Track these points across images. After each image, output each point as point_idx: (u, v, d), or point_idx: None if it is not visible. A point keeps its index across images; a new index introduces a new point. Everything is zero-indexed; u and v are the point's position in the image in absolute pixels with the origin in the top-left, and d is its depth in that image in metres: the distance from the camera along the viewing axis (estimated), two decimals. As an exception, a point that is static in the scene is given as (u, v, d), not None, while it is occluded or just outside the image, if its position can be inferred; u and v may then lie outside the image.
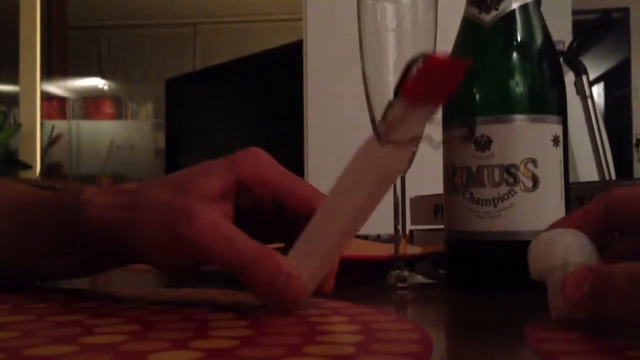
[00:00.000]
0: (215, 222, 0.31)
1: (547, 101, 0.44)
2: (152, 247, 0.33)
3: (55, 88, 4.06)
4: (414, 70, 0.28)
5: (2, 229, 0.38)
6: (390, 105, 0.30)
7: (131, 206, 0.33)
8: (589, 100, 1.35)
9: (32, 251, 0.38)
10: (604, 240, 0.30)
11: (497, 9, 0.45)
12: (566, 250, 0.29)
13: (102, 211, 0.34)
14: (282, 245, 0.37)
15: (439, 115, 0.31)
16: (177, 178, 0.34)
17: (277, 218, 0.37)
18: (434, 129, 0.32)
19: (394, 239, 0.48)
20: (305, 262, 0.32)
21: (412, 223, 0.69)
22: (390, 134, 0.30)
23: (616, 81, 3.79)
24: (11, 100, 3.45)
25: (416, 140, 0.31)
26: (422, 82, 0.28)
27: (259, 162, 0.35)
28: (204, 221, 0.31)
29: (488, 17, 0.45)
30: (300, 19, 1.74)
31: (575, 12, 2.21)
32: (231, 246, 0.31)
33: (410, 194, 0.53)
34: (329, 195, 0.32)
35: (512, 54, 0.45)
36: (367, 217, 0.32)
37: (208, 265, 0.34)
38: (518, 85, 0.44)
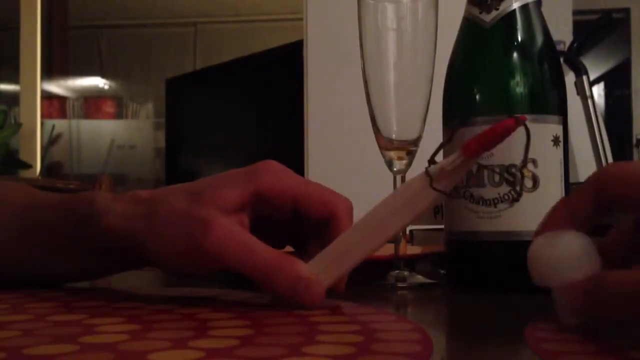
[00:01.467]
0: (233, 232, 0.32)
1: (548, 101, 0.44)
2: (170, 256, 0.33)
3: (56, 87, 4.06)
4: (478, 129, 0.32)
5: (11, 232, 0.38)
6: (448, 156, 0.33)
7: (148, 215, 0.34)
8: (590, 101, 1.35)
9: (41, 254, 0.38)
10: (602, 220, 0.30)
11: (497, 9, 0.45)
12: (564, 261, 0.28)
13: (119, 220, 0.34)
14: (292, 250, 0.38)
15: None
16: (193, 188, 0.35)
17: (293, 224, 0.37)
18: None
19: (394, 239, 0.48)
20: (326, 273, 0.33)
21: (412, 223, 0.69)
22: (442, 181, 0.32)
23: (617, 81, 3.78)
24: (11, 99, 3.45)
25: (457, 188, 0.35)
26: (483, 143, 0.31)
27: (277, 175, 0.36)
28: (223, 230, 0.32)
29: (488, 17, 0.45)
30: (300, 19, 1.74)
31: (575, 13, 2.21)
32: (251, 255, 0.32)
33: (410, 194, 0.53)
34: (365, 217, 0.34)
35: (512, 54, 0.45)
36: (387, 241, 0.35)
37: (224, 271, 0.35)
38: (518, 85, 0.44)
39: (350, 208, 0.37)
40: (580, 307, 0.26)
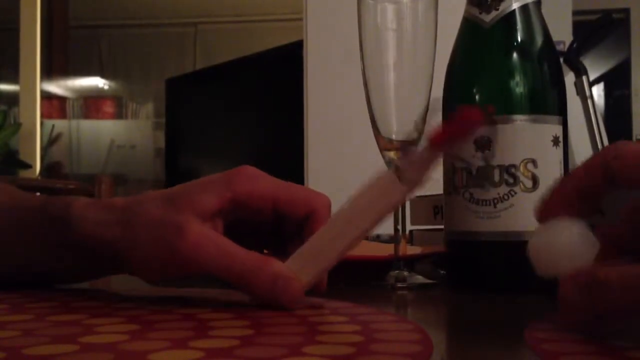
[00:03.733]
0: (208, 235, 0.33)
1: (547, 101, 0.44)
2: (146, 263, 0.34)
3: (56, 87, 4.06)
4: (442, 119, 0.31)
5: None
6: (413, 149, 0.33)
7: (124, 222, 0.34)
8: (589, 101, 1.35)
9: (25, 254, 0.38)
10: (603, 197, 0.30)
11: (497, 9, 0.45)
12: (563, 254, 0.28)
13: (93, 226, 0.35)
14: (269, 252, 0.38)
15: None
16: (170, 194, 0.35)
17: (273, 227, 0.38)
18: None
19: (394, 239, 0.48)
20: (304, 271, 0.33)
21: (412, 223, 0.69)
22: (411, 175, 0.32)
23: (616, 82, 3.78)
24: (11, 99, 3.45)
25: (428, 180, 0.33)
26: (449, 133, 0.31)
27: (253, 180, 0.36)
28: (198, 235, 0.32)
29: (488, 18, 0.45)
30: (300, 19, 1.74)
31: (575, 13, 2.21)
32: (227, 256, 0.32)
33: (410, 194, 0.53)
34: (338, 213, 0.34)
35: (512, 55, 0.45)
36: (365, 236, 0.35)
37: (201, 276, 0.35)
38: (518, 85, 0.44)
39: (328, 204, 0.37)
40: (581, 302, 0.26)
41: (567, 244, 0.28)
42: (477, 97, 0.45)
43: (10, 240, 0.39)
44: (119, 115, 4.17)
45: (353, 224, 0.33)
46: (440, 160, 0.33)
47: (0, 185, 0.43)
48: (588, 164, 0.29)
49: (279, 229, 0.38)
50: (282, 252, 0.36)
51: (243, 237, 0.34)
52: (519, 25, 0.45)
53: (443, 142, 0.31)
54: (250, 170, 0.36)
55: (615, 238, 0.29)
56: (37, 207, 0.39)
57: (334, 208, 0.35)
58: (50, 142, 3.35)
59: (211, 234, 0.33)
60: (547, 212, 0.30)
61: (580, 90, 1.37)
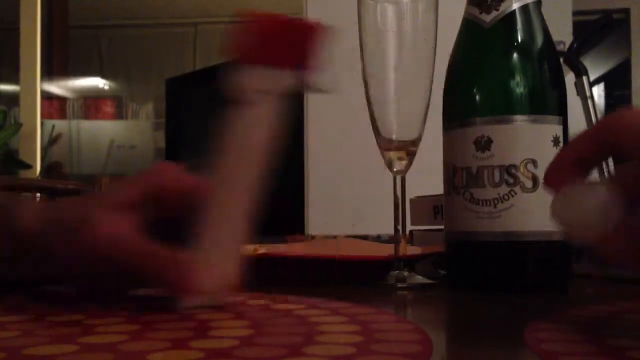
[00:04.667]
0: (116, 225, 0.34)
1: (548, 102, 0.44)
2: (62, 256, 0.35)
3: (56, 88, 4.06)
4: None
5: None
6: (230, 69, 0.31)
7: (49, 220, 0.36)
8: (590, 101, 1.35)
9: None
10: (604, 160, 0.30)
11: (497, 10, 0.45)
12: (594, 216, 0.28)
13: (28, 223, 0.37)
14: None
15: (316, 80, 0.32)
16: (95, 194, 0.38)
17: (186, 223, 0.38)
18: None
19: (394, 239, 0.48)
20: (206, 251, 0.32)
21: (412, 223, 0.69)
22: (240, 92, 0.31)
23: (617, 82, 3.78)
24: (11, 99, 3.45)
25: (275, 104, 0.31)
26: (251, 42, 0.29)
27: (164, 173, 0.37)
28: (103, 225, 0.33)
29: (488, 18, 0.45)
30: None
31: (575, 13, 2.21)
32: (129, 245, 0.33)
33: (410, 194, 0.53)
34: (214, 180, 0.33)
35: (512, 55, 0.45)
36: (254, 193, 0.33)
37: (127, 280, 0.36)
38: (518, 85, 0.44)
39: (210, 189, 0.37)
40: (622, 256, 0.27)
41: (596, 206, 0.28)
42: (477, 97, 0.45)
43: None
44: (119, 115, 4.17)
45: (232, 177, 0.33)
46: (281, 74, 0.31)
47: None
48: (588, 131, 0.30)
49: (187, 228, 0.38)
50: None
51: (167, 239, 0.35)
52: (519, 26, 0.45)
53: (239, 49, 0.30)
54: (166, 165, 0.38)
55: (631, 184, 0.29)
56: None
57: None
58: (50, 142, 3.35)
59: (120, 223, 0.34)
60: (552, 178, 0.31)
61: (580, 91, 1.37)
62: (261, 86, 0.31)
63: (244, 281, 0.34)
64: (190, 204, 0.36)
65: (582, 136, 0.30)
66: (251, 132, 0.32)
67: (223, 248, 0.33)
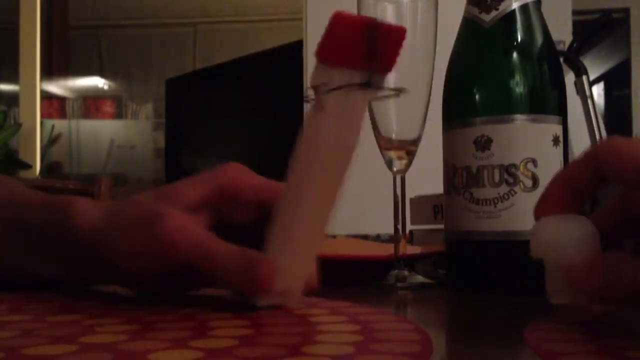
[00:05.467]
0: (187, 223, 0.32)
1: (547, 101, 0.44)
2: (129, 252, 0.34)
3: (56, 87, 4.06)
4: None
5: None
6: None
7: (112, 216, 0.35)
8: (589, 101, 1.35)
9: (18, 252, 0.38)
10: (594, 196, 0.31)
11: (497, 9, 0.45)
12: (571, 238, 0.29)
13: (89, 221, 0.35)
14: None
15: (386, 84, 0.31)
16: (157, 190, 0.36)
17: (257, 229, 0.37)
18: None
19: (394, 239, 0.48)
20: (278, 256, 0.32)
21: (412, 223, 0.69)
22: (323, 99, 0.30)
23: (616, 81, 3.78)
24: (11, 99, 3.45)
25: (356, 106, 0.30)
26: (328, 39, 0.28)
27: (239, 172, 0.36)
28: (177, 222, 0.32)
29: (488, 17, 0.45)
30: (300, 19, 1.74)
31: (575, 12, 2.21)
32: (202, 243, 0.32)
33: (410, 194, 0.53)
34: (286, 186, 0.32)
35: (512, 54, 0.45)
36: (336, 196, 0.32)
37: (187, 281, 0.35)
38: (518, 85, 0.44)
39: None
40: (593, 285, 0.27)
41: (575, 237, 0.28)
42: (477, 96, 0.45)
43: (9, 246, 0.38)
44: (118, 115, 4.17)
45: (308, 184, 0.31)
46: (358, 79, 0.29)
47: (1, 179, 0.43)
48: (580, 161, 0.30)
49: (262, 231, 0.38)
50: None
51: (228, 237, 0.34)
52: (519, 25, 0.45)
53: (327, 51, 0.29)
54: (237, 165, 0.37)
55: (603, 229, 0.29)
56: (40, 203, 0.39)
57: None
58: (50, 142, 3.35)
59: (188, 221, 0.33)
60: (543, 209, 0.31)
61: (580, 90, 1.37)
62: (341, 88, 0.30)
63: (320, 282, 0.34)
64: (261, 205, 0.35)
65: (573, 165, 0.30)
66: (330, 135, 0.31)
67: (297, 251, 0.32)
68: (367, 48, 0.29)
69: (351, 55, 0.29)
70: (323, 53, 0.29)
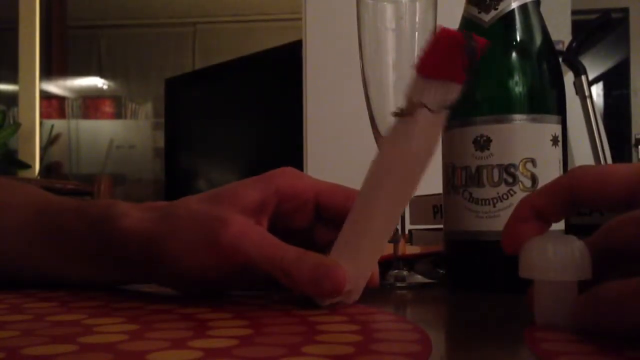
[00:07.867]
0: (250, 227, 0.33)
1: (547, 101, 0.44)
2: (187, 254, 0.33)
3: (55, 87, 4.06)
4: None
5: (26, 237, 0.38)
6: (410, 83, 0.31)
7: (167, 216, 0.34)
8: (588, 100, 1.35)
9: (57, 259, 0.38)
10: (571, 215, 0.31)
11: (496, 9, 0.45)
12: (560, 258, 0.28)
13: (136, 222, 0.35)
14: None
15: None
16: (212, 192, 0.35)
17: (315, 226, 0.37)
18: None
19: (393, 239, 0.48)
20: (347, 259, 0.32)
21: (412, 223, 0.69)
22: (413, 109, 0.30)
23: (615, 81, 3.78)
24: (10, 99, 3.45)
25: (439, 117, 0.31)
26: (432, 54, 0.29)
27: (295, 176, 0.36)
28: (240, 226, 0.32)
29: (487, 17, 0.45)
30: (300, 19, 1.74)
31: (574, 12, 2.21)
32: (269, 247, 0.32)
33: (409, 193, 0.53)
34: (362, 188, 0.33)
35: (511, 54, 0.45)
36: (406, 203, 0.33)
37: (240, 281, 0.35)
38: (517, 85, 0.44)
39: None
40: (577, 314, 0.27)
41: (563, 257, 0.28)
42: (476, 96, 0.45)
43: (41, 252, 0.38)
44: (118, 115, 4.17)
45: (382, 193, 0.32)
46: (447, 92, 0.30)
47: (25, 186, 0.42)
48: (549, 187, 0.30)
49: (318, 235, 0.38)
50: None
51: (283, 239, 0.34)
52: (518, 25, 0.45)
53: (428, 64, 0.30)
54: (291, 169, 0.37)
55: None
56: (72, 209, 0.38)
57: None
58: (49, 142, 3.35)
59: (253, 225, 0.33)
60: (511, 237, 0.31)
61: (579, 90, 1.37)
62: (431, 100, 0.30)
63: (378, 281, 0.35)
64: (317, 207, 0.36)
65: (544, 191, 0.31)
66: (417, 146, 0.31)
67: (367, 254, 0.33)
68: (467, 63, 0.29)
69: (452, 70, 0.30)
70: (425, 69, 0.30)
